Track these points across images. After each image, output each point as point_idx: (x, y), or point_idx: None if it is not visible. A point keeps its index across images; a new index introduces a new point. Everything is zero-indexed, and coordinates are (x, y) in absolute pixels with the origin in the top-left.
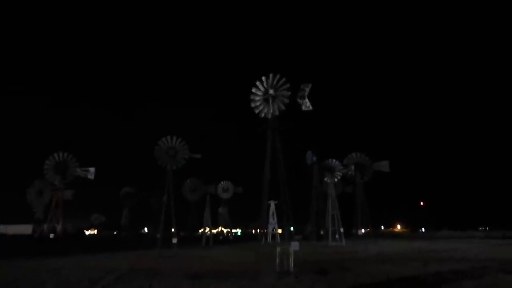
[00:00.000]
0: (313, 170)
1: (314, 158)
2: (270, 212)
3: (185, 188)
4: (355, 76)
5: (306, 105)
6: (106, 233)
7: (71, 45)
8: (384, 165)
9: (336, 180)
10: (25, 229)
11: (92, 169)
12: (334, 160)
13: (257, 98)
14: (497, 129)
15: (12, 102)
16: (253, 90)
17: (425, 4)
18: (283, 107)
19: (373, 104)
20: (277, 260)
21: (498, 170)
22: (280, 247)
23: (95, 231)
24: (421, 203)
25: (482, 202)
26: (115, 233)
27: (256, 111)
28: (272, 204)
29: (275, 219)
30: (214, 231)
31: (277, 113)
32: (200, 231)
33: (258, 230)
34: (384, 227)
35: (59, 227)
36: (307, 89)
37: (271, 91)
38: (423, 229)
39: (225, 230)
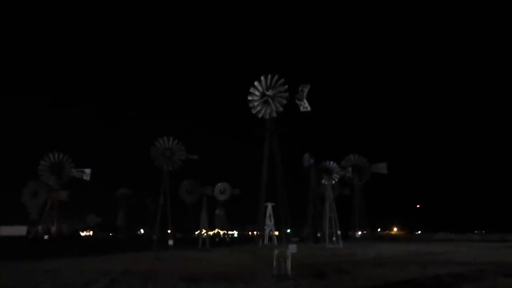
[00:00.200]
0: (310, 172)
1: (312, 160)
2: (267, 214)
3: (181, 190)
4: (354, 78)
5: (304, 106)
6: (102, 234)
7: (67, 46)
8: (382, 167)
9: (333, 182)
10: (20, 230)
11: (87, 170)
12: (331, 162)
13: (255, 98)
14: (495, 132)
15: (7, 102)
16: (251, 90)
17: (424, 6)
18: (280, 108)
19: (371, 106)
20: (274, 263)
21: (495, 173)
22: (277, 249)
23: (91, 233)
24: (418, 206)
25: (478, 205)
26: (111, 234)
27: (254, 111)
28: (269, 206)
29: (272, 221)
30: (211, 233)
31: (274, 114)
32: (196, 233)
33: (255, 232)
34: (380, 229)
35: (53, 228)
36: (306, 90)
37: (269, 92)
38: (419, 232)
39: (221, 232)
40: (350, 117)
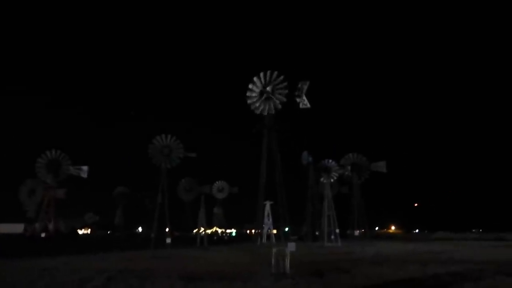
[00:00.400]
0: (308, 171)
1: (310, 159)
2: (265, 213)
3: (180, 188)
4: (353, 76)
5: (304, 102)
6: (99, 232)
7: (66, 45)
8: (381, 166)
9: (332, 180)
10: (16, 228)
11: (85, 168)
12: (330, 161)
13: (254, 94)
14: (493, 132)
15: (4, 101)
16: (250, 86)
17: (424, 3)
18: (279, 105)
19: (371, 104)
20: (273, 261)
21: (491, 173)
22: (276, 248)
23: (89, 231)
24: (416, 205)
25: (475, 204)
26: (108, 232)
27: (252, 107)
28: (268, 205)
29: (270, 220)
30: (209, 231)
31: (272, 111)
32: (194, 231)
33: (253, 231)
34: (378, 228)
35: (51, 226)
36: (305, 87)
37: (268, 88)
38: (416, 231)
39: (219, 231)
40: (349, 115)
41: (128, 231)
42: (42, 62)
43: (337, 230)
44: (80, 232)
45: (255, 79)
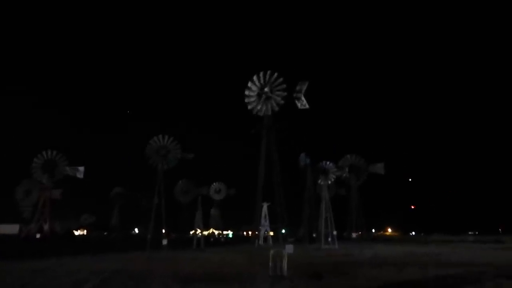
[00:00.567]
0: (306, 172)
1: (308, 160)
2: (263, 214)
3: (177, 189)
4: (351, 77)
5: (303, 103)
6: (95, 233)
7: (63, 44)
8: (379, 168)
9: (330, 182)
10: (12, 228)
11: (81, 168)
12: (328, 162)
13: (252, 94)
14: (490, 135)
15: (0, 101)
16: (249, 84)
17: (423, 4)
18: (276, 108)
19: (369, 106)
20: (271, 264)
21: (488, 176)
22: (273, 249)
23: (85, 232)
24: (412, 207)
25: (471, 206)
26: (105, 233)
27: (250, 107)
28: (265, 206)
29: (268, 221)
30: (206, 233)
31: (269, 113)
32: (191, 232)
33: (250, 233)
34: (375, 230)
35: (46, 227)
36: (304, 87)
37: (266, 89)
38: (413, 233)
39: (216, 232)
40: (348, 116)
41: (124, 232)
42: (39, 62)
43: (335, 232)
44: (77, 233)
45: (254, 78)
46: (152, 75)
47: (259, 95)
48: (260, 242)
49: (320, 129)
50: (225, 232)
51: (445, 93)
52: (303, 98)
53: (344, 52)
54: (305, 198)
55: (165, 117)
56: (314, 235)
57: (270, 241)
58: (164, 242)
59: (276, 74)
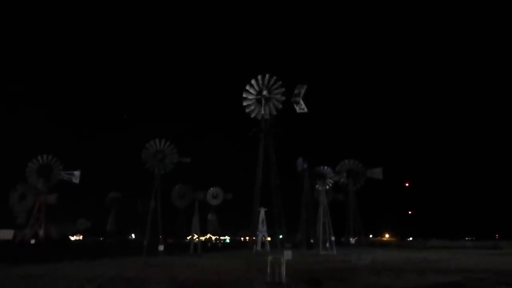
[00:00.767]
0: (303, 177)
1: (305, 165)
2: (260, 220)
3: (173, 194)
4: (350, 82)
5: (301, 107)
6: (91, 239)
7: (60, 48)
8: (377, 172)
9: (327, 187)
10: (6, 234)
11: (77, 173)
12: (325, 167)
13: (250, 97)
14: (487, 141)
15: None
16: (247, 87)
17: (423, 9)
18: (274, 112)
19: (367, 110)
20: (269, 270)
21: (485, 181)
22: (271, 256)
23: (81, 237)
24: (410, 212)
25: (468, 212)
26: (101, 239)
27: (247, 110)
28: (262, 211)
29: (265, 227)
30: (203, 238)
31: (267, 116)
32: (188, 238)
33: (247, 238)
34: (372, 235)
35: (41, 233)
36: (302, 91)
37: (264, 92)
38: (410, 238)
39: (213, 237)
40: (346, 121)
41: (120, 237)
42: (34, 65)
43: (333, 238)
44: (72, 238)
45: (252, 81)
46: (148, 78)
47: (257, 99)
48: (257, 248)
49: (318, 134)
50: (222, 238)
51: (443, 98)
52: (301, 102)
53: (342, 57)
54: (302, 203)
55: (162, 121)
56: (311, 240)
57: (268, 247)
58: (161, 247)
59: (274, 78)
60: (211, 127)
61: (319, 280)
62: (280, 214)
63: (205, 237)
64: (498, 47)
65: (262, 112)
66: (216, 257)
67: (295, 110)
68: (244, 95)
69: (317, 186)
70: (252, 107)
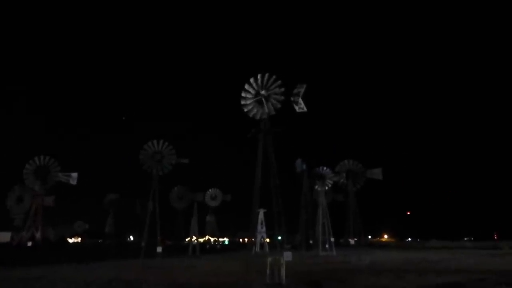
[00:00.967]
0: (302, 178)
1: (304, 166)
2: (259, 221)
3: (172, 196)
4: (349, 82)
5: (301, 106)
6: (90, 241)
7: (59, 48)
8: (377, 173)
9: (327, 188)
10: (3, 236)
11: (74, 174)
12: (324, 168)
13: (249, 96)
14: (486, 141)
15: None
16: (246, 86)
17: (423, 9)
18: (273, 111)
19: (367, 110)
20: (268, 271)
21: (484, 181)
22: (271, 257)
23: (79, 239)
24: (408, 213)
25: (467, 212)
26: (100, 241)
27: (246, 109)
28: (261, 213)
29: (264, 228)
30: (201, 240)
31: (266, 116)
32: (187, 239)
33: (246, 239)
34: (371, 236)
35: (38, 235)
36: (302, 90)
37: (263, 92)
38: (409, 239)
39: (212, 239)
40: (345, 121)
41: (119, 239)
42: (33, 65)
43: (332, 239)
44: (71, 240)
45: (251, 80)
46: (146, 78)
47: (256, 98)
48: (256, 249)
49: (317, 134)
50: (221, 239)
51: (442, 99)
52: (301, 101)
53: (342, 56)
54: (301, 204)
55: (160, 121)
56: (311, 241)
57: (267, 248)
58: (159, 249)
59: (274, 77)
60: (209, 127)
61: (319, 282)
62: (279, 214)
63: (204, 238)
64: (498, 47)
65: (261, 111)
66: (215, 259)
67: (294, 109)
68: (242, 95)
69: (316, 186)
70: (251, 107)
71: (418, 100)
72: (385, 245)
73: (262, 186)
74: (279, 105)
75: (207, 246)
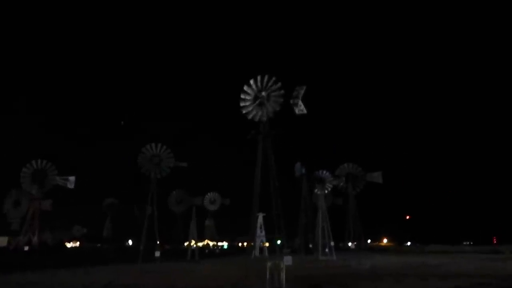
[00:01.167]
0: (302, 182)
1: (303, 170)
2: (258, 225)
3: (171, 200)
4: (349, 85)
5: (300, 108)
6: (88, 245)
7: (56, 51)
8: (377, 176)
9: (326, 191)
10: (0, 241)
11: (72, 178)
12: (324, 171)
13: (248, 98)
14: (485, 146)
15: None
16: (245, 88)
17: (422, 12)
18: (272, 114)
19: (367, 113)
20: (268, 276)
21: (484, 186)
22: (270, 261)
23: (77, 244)
24: (407, 217)
25: (466, 217)
26: (98, 245)
27: (244, 111)
28: (260, 216)
29: (263, 232)
30: (200, 244)
31: (264, 118)
32: (185, 244)
33: (245, 244)
34: (370, 240)
35: (35, 239)
36: (302, 92)
37: (263, 93)
38: (408, 243)
39: (211, 243)
40: (345, 124)
41: (117, 243)
42: (31, 68)
43: (332, 243)
44: (69, 245)
45: (251, 81)
46: (144, 80)
47: (255, 100)
48: (256, 253)
49: (317, 137)
50: (220, 243)
51: (442, 103)
52: (300, 103)
53: (342, 59)
54: (301, 208)
55: (158, 122)
56: (310, 245)
57: (266, 252)
58: (157, 253)
59: (274, 78)
60: (207, 129)
61: (320, 286)
62: (279, 216)
63: (203, 243)
64: (498, 48)
65: (260, 113)
66: (214, 263)
67: (294, 112)
68: (242, 96)
69: (316, 190)
70: (250, 109)
71: (418, 104)
72: (384, 249)
73: (261, 189)
74: (278, 108)
75: (206, 251)
